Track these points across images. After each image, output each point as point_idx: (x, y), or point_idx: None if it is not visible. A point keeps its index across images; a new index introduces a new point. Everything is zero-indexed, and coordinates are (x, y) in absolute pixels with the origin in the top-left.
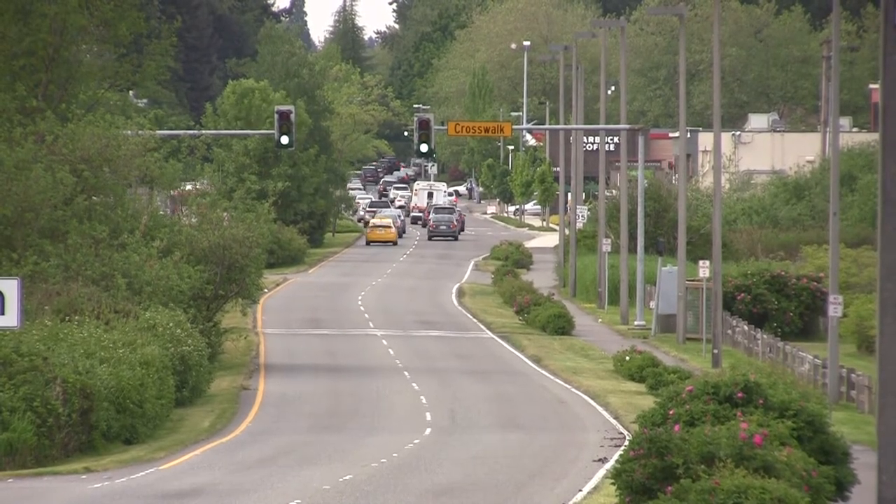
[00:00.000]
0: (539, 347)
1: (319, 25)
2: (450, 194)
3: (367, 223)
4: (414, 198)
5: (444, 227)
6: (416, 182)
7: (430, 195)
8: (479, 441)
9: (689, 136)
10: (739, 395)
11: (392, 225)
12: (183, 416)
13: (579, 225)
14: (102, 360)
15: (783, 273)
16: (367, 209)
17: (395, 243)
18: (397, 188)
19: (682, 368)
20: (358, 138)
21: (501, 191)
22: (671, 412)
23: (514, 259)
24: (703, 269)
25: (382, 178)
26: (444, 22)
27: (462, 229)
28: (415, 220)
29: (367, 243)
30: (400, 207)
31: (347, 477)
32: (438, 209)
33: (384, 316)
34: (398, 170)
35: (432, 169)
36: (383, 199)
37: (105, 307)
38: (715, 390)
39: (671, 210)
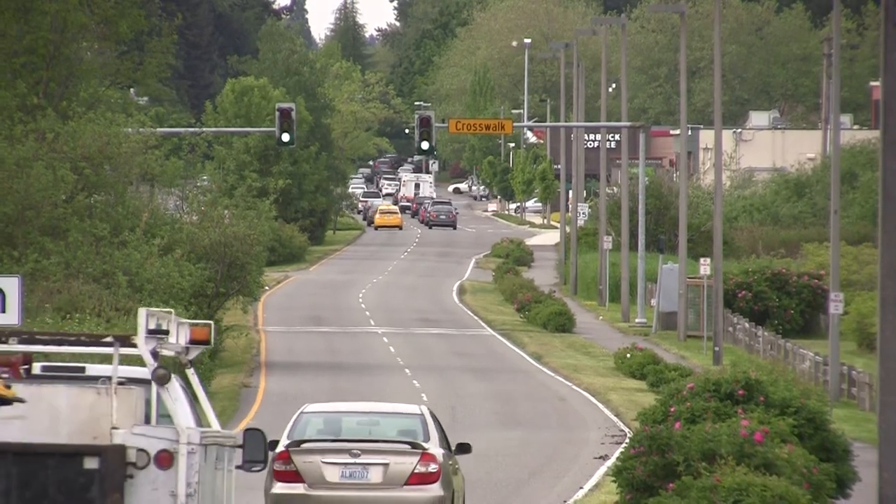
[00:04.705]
0: (540, 345)
1: (320, 23)
2: (454, 189)
3: (360, 212)
4: (402, 189)
5: (444, 217)
6: (404, 174)
7: (417, 186)
8: (479, 439)
9: (689, 133)
10: (740, 392)
11: (398, 211)
12: None
13: (580, 222)
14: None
15: (784, 270)
16: (361, 199)
17: (400, 228)
18: (386, 178)
19: (682, 366)
20: (359, 136)
21: (502, 188)
22: (672, 409)
23: (514, 256)
24: (704, 266)
25: (397, 171)
26: (445, 19)
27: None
28: (403, 210)
29: (375, 228)
30: (388, 195)
31: None
32: (437, 202)
33: (385, 313)
34: (403, 164)
35: (434, 166)
36: (374, 188)
37: (106, 305)
38: (716, 387)
39: (672, 207)
